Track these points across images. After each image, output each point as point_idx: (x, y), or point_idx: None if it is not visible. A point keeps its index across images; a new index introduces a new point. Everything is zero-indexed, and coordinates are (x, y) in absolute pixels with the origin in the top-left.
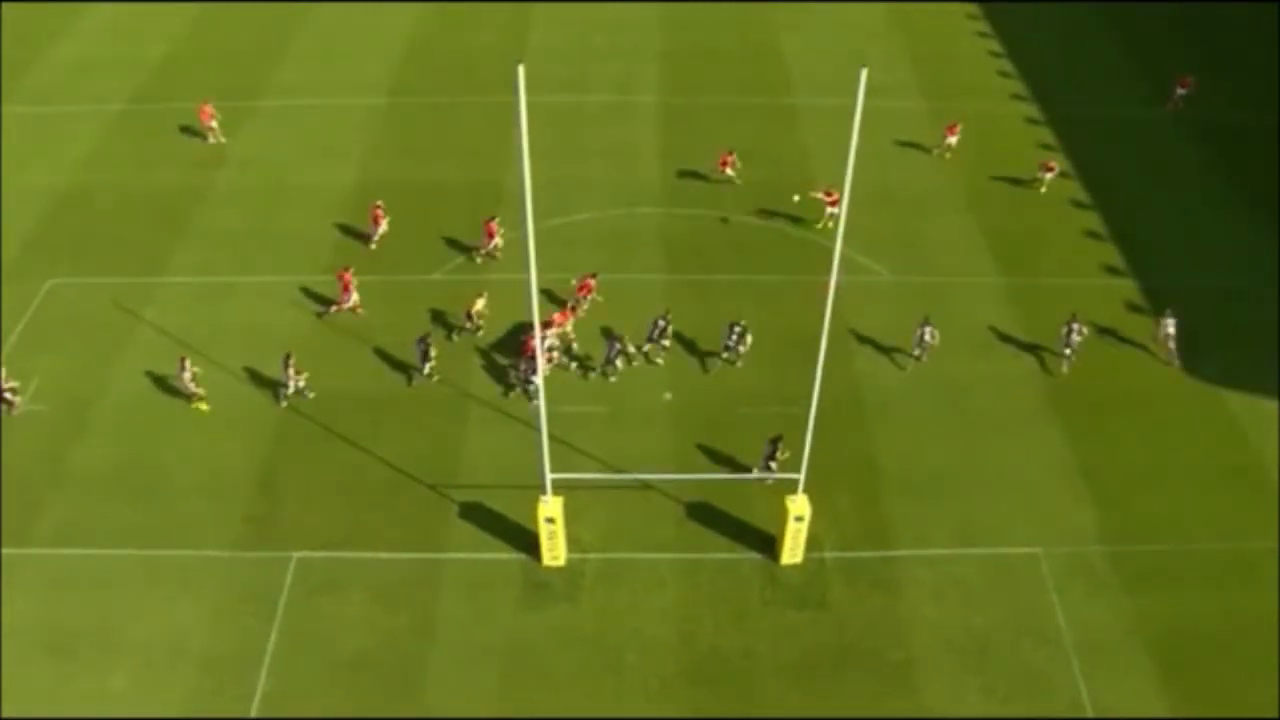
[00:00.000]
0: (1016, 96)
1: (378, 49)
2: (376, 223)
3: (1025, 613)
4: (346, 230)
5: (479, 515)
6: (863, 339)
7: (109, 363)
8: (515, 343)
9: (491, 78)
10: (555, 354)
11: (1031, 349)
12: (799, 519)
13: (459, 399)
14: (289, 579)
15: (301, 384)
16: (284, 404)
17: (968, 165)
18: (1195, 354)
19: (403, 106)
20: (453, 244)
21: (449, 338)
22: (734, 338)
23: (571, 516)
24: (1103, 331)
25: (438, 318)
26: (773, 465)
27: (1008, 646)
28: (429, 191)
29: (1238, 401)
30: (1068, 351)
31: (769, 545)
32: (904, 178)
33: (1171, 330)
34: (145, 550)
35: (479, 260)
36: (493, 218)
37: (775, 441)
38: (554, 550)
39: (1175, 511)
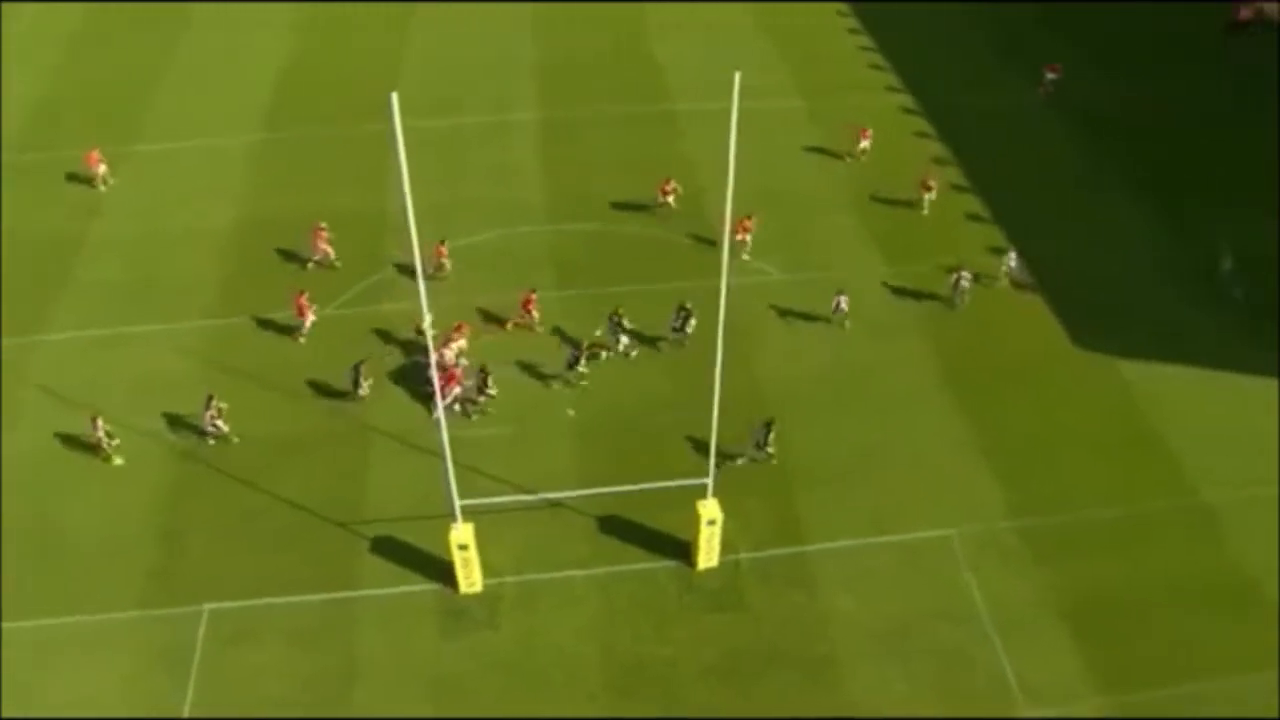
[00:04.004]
0: (891, 89)
1: (249, 79)
2: (321, 245)
3: (942, 595)
4: (238, 270)
5: (391, 548)
6: (760, 338)
7: None
8: (418, 370)
9: (367, 104)
10: (460, 368)
11: (923, 324)
12: (711, 523)
13: (360, 433)
14: (201, 632)
15: (223, 426)
16: (212, 442)
17: (847, 161)
18: (1082, 328)
19: (280, 140)
20: (347, 273)
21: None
22: (679, 320)
23: (484, 542)
24: (990, 308)
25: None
26: (768, 450)
27: (928, 630)
28: (312, 223)
29: (1126, 368)
30: (956, 298)
31: (684, 552)
32: (787, 177)
33: (1013, 264)
34: (44, 620)
35: (435, 279)
36: (442, 241)
37: (768, 425)
38: (470, 577)
39: (1076, 481)
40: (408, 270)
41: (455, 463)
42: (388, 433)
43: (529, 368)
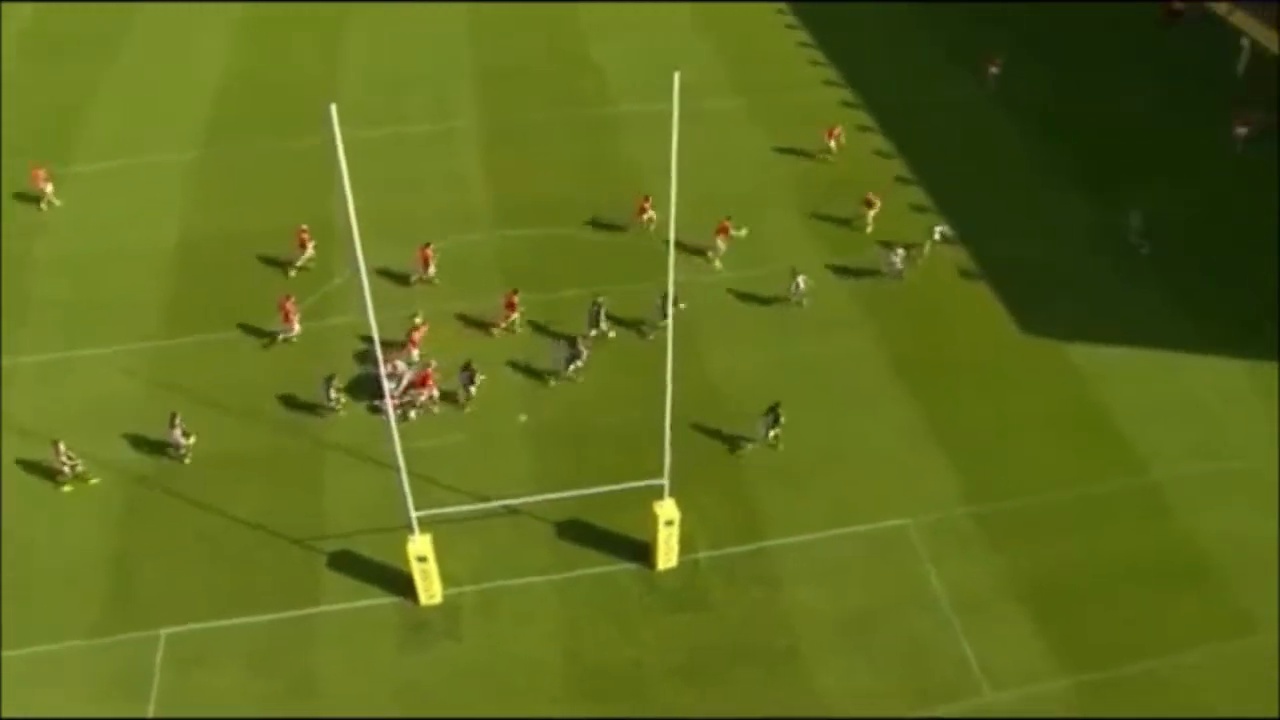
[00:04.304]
0: (830, 83)
1: (186, 94)
2: (303, 247)
3: (902, 584)
4: (184, 288)
5: (349, 563)
6: (711, 335)
7: None
8: (371, 382)
9: (307, 115)
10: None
11: (874, 317)
12: (669, 523)
13: (313, 448)
14: (159, 658)
15: (190, 442)
16: (187, 460)
17: (791, 157)
18: (1029, 314)
19: (219, 156)
20: (295, 286)
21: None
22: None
23: (443, 552)
24: (937, 298)
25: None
26: (774, 433)
27: (889, 619)
28: (257, 240)
29: (1072, 351)
30: (890, 273)
31: (643, 553)
32: (729, 174)
33: (938, 238)
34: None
35: (414, 283)
36: (428, 244)
37: (774, 409)
38: (429, 588)
39: (1029, 465)
40: (388, 275)
41: (410, 473)
42: (341, 446)
43: (483, 372)
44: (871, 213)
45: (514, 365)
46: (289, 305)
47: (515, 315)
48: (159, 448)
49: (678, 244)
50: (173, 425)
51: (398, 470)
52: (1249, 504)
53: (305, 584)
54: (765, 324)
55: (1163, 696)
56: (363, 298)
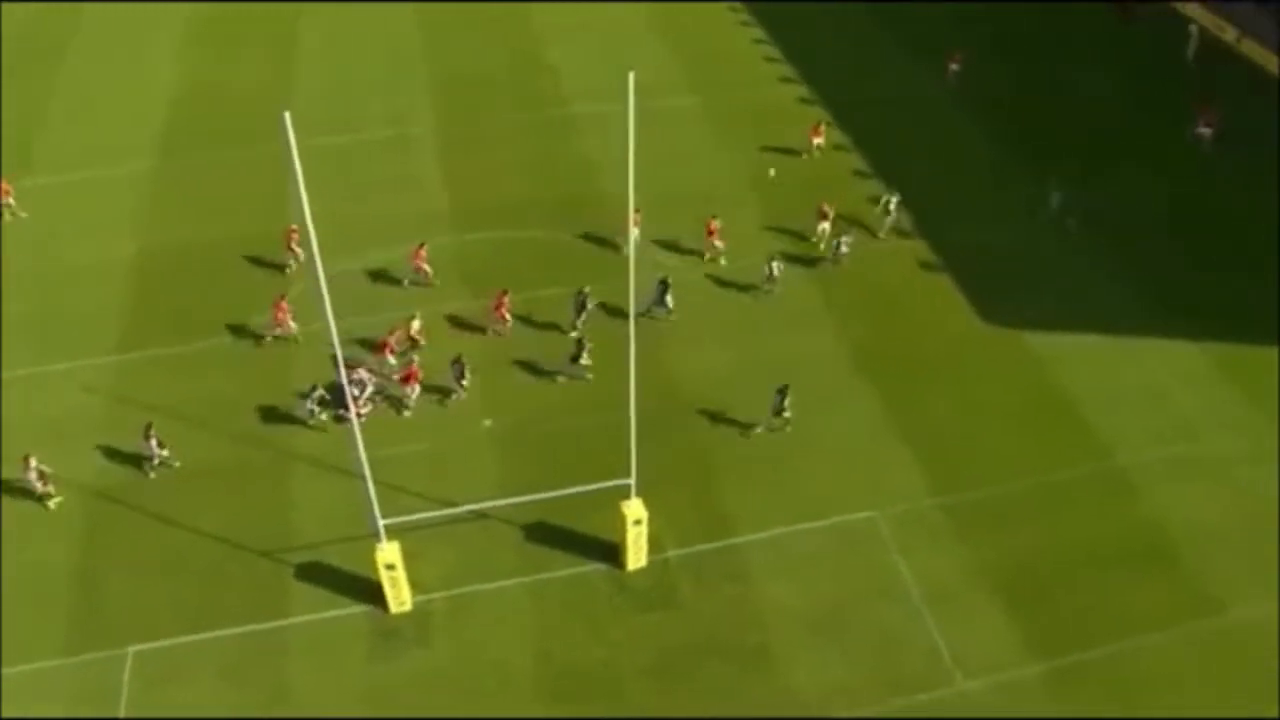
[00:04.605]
0: (785, 79)
1: (139, 105)
2: (291, 249)
3: (872, 576)
4: (143, 301)
5: (318, 573)
6: (676, 333)
7: None
8: (339, 390)
9: (262, 124)
10: (371, 386)
11: (836, 310)
12: (637, 523)
13: (279, 459)
14: (127, 675)
15: (165, 453)
16: (153, 474)
17: (752, 153)
18: (990, 304)
19: (176, 165)
20: (258, 295)
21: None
22: (659, 294)
23: (411, 559)
24: (899, 291)
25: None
26: (786, 414)
27: (860, 612)
28: (218, 250)
29: (1034, 340)
30: (836, 256)
31: (613, 554)
32: (689, 173)
33: (892, 209)
34: None
35: (406, 284)
36: (421, 244)
37: (783, 391)
38: (399, 596)
39: (994, 454)
40: (382, 277)
41: (377, 481)
42: (307, 456)
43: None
44: (824, 225)
45: (495, 366)
46: (283, 305)
47: (509, 320)
48: (123, 462)
49: (668, 246)
50: (147, 437)
51: (364, 478)
52: (1212, 487)
53: (274, 596)
54: (731, 320)
55: (1132, 679)
56: (322, 305)
